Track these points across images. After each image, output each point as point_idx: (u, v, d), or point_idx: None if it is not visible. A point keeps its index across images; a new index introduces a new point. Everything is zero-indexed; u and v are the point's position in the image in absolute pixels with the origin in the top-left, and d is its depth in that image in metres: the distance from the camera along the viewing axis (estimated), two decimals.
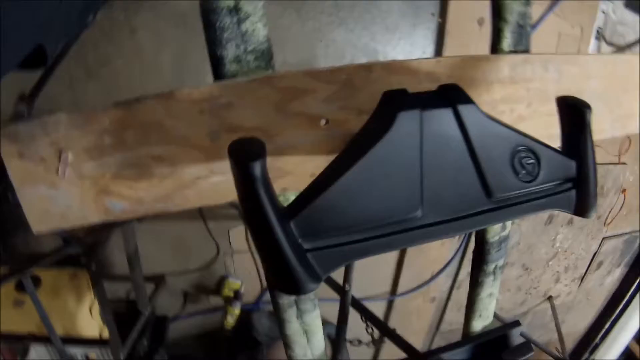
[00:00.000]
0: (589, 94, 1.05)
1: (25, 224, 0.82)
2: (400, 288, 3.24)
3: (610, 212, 3.65)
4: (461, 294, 3.43)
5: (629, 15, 2.84)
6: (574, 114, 0.76)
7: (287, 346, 1.07)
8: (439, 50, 2.49)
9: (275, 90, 0.79)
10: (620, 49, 2.91)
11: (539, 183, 0.73)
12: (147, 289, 2.51)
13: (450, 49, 2.46)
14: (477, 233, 1.23)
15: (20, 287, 1.61)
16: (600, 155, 3.04)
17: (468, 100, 0.69)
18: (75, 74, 2.14)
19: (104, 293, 1.96)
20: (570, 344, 4.14)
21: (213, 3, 0.77)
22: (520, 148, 0.72)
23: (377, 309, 3.32)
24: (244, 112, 0.78)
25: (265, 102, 0.78)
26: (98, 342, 1.66)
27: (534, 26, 2.60)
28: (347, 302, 1.87)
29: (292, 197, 0.89)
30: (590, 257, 3.89)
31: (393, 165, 0.64)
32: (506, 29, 0.99)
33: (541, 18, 2.61)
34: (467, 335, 1.35)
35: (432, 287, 3.31)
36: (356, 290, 3.04)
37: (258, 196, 0.54)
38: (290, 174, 0.84)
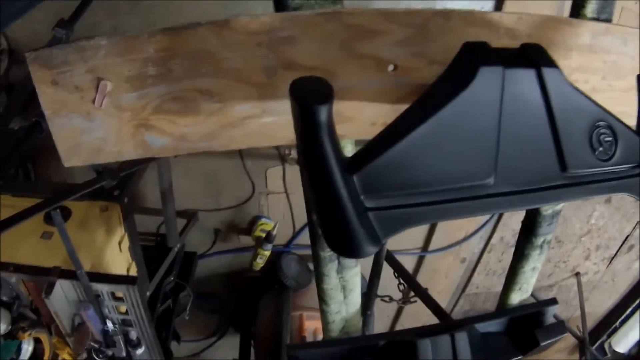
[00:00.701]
0: None
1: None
2: (433, 245, 3.20)
3: None
4: (491, 258, 3.38)
5: None
6: None
7: (322, 300, 1.03)
8: (498, 8, 2.36)
9: (344, 27, 0.71)
10: None
11: (613, 163, 0.68)
12: (178, 225, 2.49)
13: (510, 8, 2.32)
14: None
15: (48, 218, 1.57)
16: None
17: (553, 64, 0.63)
18: (117, 3, 2.07)
19: (135, 228, 1.94)
20: (589, 323, 4.09)
21: None
22: (601, 123, 0.67)
23: (407, 263, 3.28)
24: (306, 48, 0.71)
25: (330, 39, 0.71)
26: (125, 280, 1.63)
27: None
28: (382, 255, 1.83)
29: (348, 145, 0.83)
30: (623, 239, 3.78)
31: (470, 124, 0.58)
32: None
33: None
34: (503, 307, 1.30)
35: (463, 248, 3.26)
36: (388, 242, 3.02)
37: (321, 145, 0.48)
38: (350, 120, 0.77)
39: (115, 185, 1.74)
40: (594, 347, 4.02)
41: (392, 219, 0.55)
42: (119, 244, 1.86)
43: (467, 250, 3.28)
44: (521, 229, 1.21)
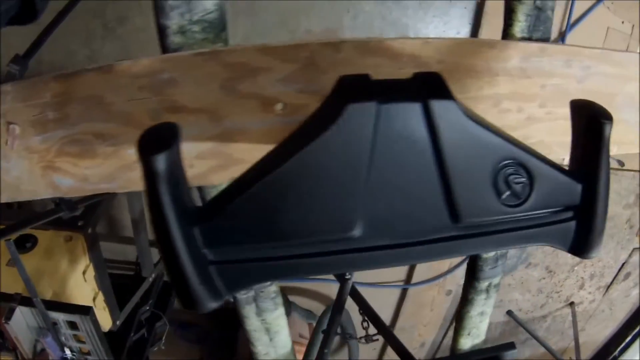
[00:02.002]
0: (622, 99, 0.88)
1: None
2: (416, 277, 3.14)
3: None
4: None
5: None
6: (589, 124, 0.59)
7: (250, 342, 1.01)
8: (474, 33, 2.32)
9: (223, 67, 0.70)
10: None
11: (527, 209, 0.57)
12: (155, 254, 2.47)
13: (487, 33, 2.29)
14: None
15: (15, 245, 1.60)
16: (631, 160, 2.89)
17: (446, 95, 0.53)
18: (92, 30, 2.09)
19: (101, 258, 1.94)
20: (588, 353, 4.01)
21: None
22: (508, 162, 0.56)
23: (391, 296, 3.25)
24: (187, 90, 0.70)
25: (211, 80, 0.70)
26: (78, 310, 1.64)
27: (580, 18, 2.43)
28: (346, 291, 1.78)
29: None
30: (618, 267, 3.71)
31: (331, 169, 0.51)
32: (519, 10, 0.81)
33: (589, 9, 2.44)
34: (453, 352, 1.26)
35: (448, 280, 3.20)
36: (368, 275, 2.96)
37: (158, 194, 0.46)
38: (241, 163, 0.75)
39: (80, 215, 1.76)
40: None
41: (237, 273, 0.52)
42: (83, 273, 1.87)
43: (452, 282, 3.23)
44: (465, 273, 1.14)
